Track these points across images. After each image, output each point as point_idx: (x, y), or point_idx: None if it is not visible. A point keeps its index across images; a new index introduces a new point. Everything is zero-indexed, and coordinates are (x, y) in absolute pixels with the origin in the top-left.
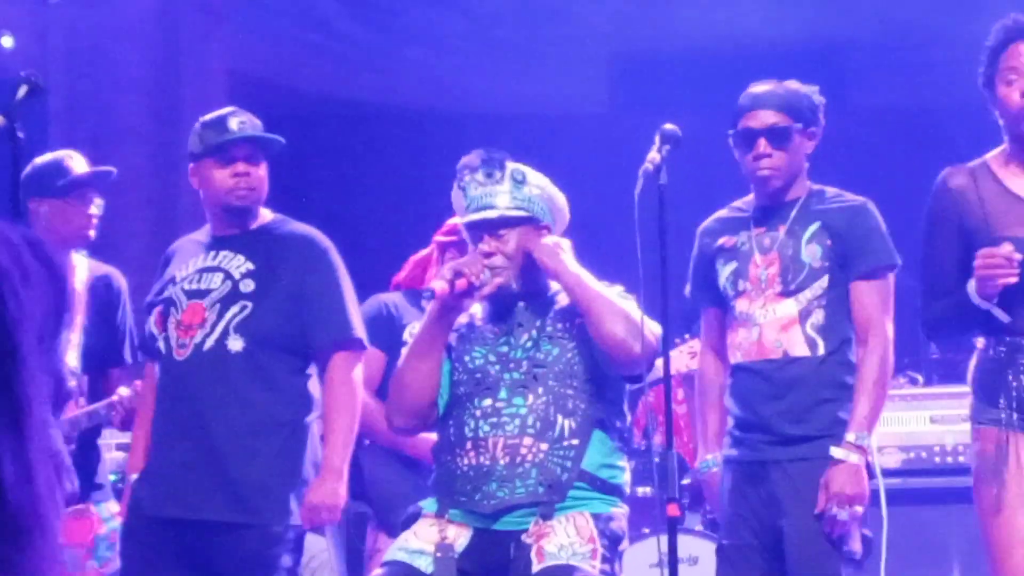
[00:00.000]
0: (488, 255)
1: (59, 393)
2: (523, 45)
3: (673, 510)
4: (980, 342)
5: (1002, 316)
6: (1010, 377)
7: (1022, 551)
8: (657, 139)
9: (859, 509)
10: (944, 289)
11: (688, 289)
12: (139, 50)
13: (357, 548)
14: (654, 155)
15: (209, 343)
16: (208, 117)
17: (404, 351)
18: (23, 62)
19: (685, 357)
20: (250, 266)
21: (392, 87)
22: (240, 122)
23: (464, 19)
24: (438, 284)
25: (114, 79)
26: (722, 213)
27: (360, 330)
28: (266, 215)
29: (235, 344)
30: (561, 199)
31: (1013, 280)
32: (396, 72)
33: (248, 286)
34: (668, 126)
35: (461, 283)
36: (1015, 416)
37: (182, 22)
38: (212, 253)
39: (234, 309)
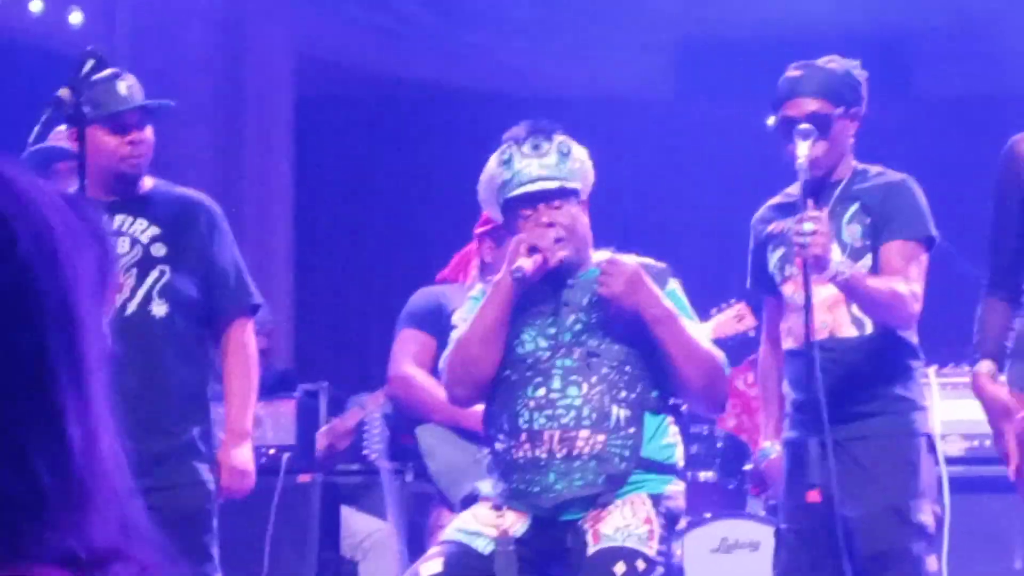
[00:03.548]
0: (550, 226)
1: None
2: (588, 29)
3: (814, 496)
4: None
5: None
6: None
7: None
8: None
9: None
10: (1003, 270)
11: (749, 282)
12: (205, 30)
13: (419, 527)
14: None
15: (132, 308)
16: (96, 78)
17: (466, 325)
18: (90, 38)
19: (732, 321)
20: (156, 231)
21: (456, 70)
22: (129, 87)
23: (529, 2)
24: (527, 262)
25: (180, 58)
26: (773, 200)
27: (258, 295)
28: (148, 180)
29: (159, 309)
30: (592, 172)
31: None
32: (460, 55)
33: (160, 251)
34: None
35: (538, 258)
36: None
37: (248, 2)
38: (106, 218)
39: (154, 274)
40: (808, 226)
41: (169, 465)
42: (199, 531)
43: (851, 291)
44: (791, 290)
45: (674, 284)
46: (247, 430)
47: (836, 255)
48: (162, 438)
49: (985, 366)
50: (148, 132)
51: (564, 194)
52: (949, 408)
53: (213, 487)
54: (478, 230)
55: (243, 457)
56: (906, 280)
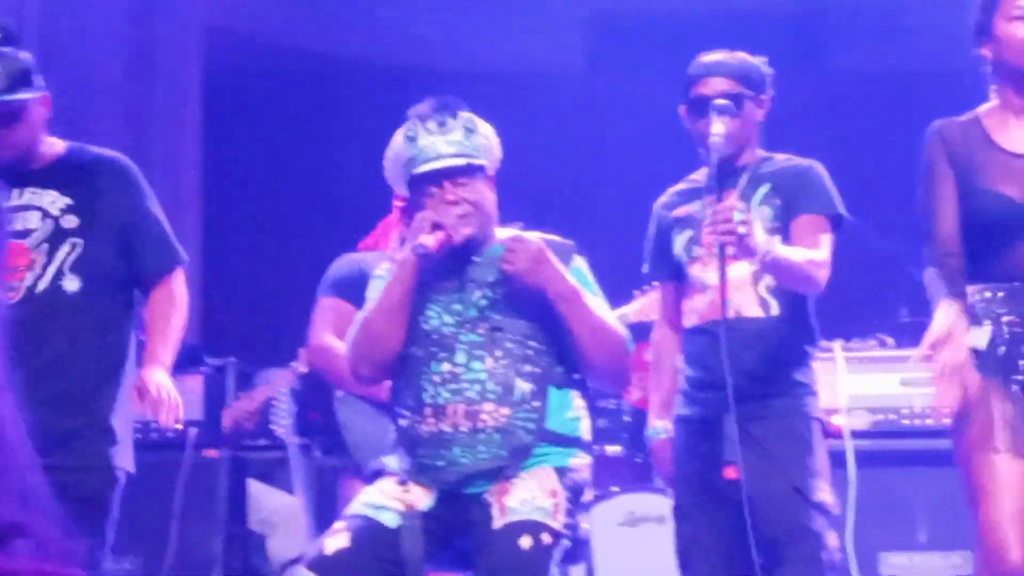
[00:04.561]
0: (454, 203)
1: None
2: (500, 3)
3: (731, 473)
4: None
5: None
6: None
7: (1010, 501)
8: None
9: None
10: (945, 241)
11: (645, 267)
12: (115, 2)
13: (330, 501)
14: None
15: (43, 285)
16: None
17: (370, 304)
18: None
19: (656, 303)
20: (67, 201)
21: (368, 43)
22: None
23: None
24: (429, 239)
25: (89, 30)
26: (678, 187)
27: (181, 249)
28: (58, 145)
29: (71, 284)
30: (499, 148)
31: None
32: (372, 28)
33: (71, 222)
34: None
35: (440, 235)
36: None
37: None
38: (16, 192)
39: (64, 248)
40: (739, 215)
41: (79, 444)
42: (99, 516)
43: (775, 267)
44: (699, 270)
45: (579, 261)
46: (160, 359)
47: (760, 235)
48: (73, 415)
49: (953, 304)
50: (23, 120)
51: (470, 171)
52: (855, 382)
53: (120, 472)
54: (398, 203)
55: (153, 376)
56: (816, 249)
